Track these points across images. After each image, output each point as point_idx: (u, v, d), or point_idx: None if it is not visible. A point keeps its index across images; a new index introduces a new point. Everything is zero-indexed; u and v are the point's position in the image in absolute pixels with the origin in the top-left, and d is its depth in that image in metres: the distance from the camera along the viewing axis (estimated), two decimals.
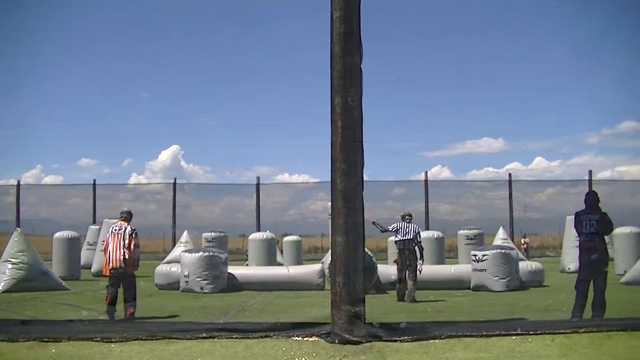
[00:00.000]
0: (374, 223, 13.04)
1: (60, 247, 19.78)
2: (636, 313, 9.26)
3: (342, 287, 6.89)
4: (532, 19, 65.77)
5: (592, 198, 9.44)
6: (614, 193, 33.61)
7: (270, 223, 29.41)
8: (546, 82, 68.97)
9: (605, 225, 9.16)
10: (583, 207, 9.38)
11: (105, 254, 10.23)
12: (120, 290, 10.09)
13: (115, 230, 10.07)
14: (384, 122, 64.95)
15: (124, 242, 9.92)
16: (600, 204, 9.43)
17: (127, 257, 9.91)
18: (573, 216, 9.61)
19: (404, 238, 12.81)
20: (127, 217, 10.38)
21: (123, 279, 10.03)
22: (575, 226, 9.44)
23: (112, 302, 9.93)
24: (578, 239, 9.47)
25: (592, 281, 9.04)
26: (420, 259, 12.84)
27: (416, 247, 12.82)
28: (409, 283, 12.56)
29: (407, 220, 13.03)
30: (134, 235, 10.09)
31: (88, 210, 31.11)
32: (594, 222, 9.08)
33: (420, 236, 13.05)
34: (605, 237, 9.37)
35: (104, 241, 11.09)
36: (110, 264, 9.95)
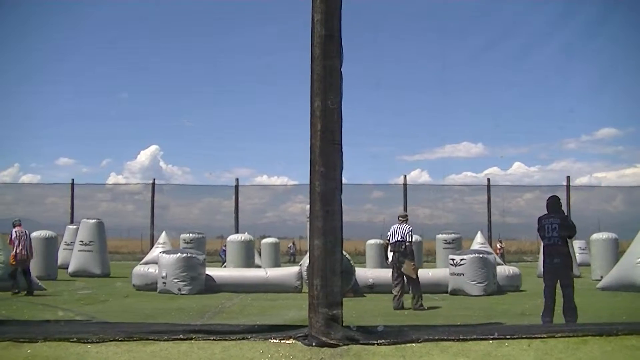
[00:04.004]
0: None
1: (37, 246, 19.49)
2: (612, 318, 9.36)
3: (320, 289, 6.89)
4: (513, 25, 66.30)
5: (552, 202, 9.37)
6: (592, 199, 34.05)
7: (248, 225, 29.38)
8: (526, 88, 69.56)
9: (566, 227, 9.10)
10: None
11: (14, 249, 14.63)
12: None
13: (19, 234, 14.84)
14: (364, 125, 65.18)
15: (27, 242, 14.96)
16: (562, 208, 9.41)
17: (29, 252, 14.94)
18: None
19: (393, 240, 12.39)
20: (20, 223, 15.26)
21: (25, 266, 14.70)
22: (538, 231, 9.35)
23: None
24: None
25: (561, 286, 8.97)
26: (410, 261, 12.20)
27: (405, 248, 12.23)
28: (412, 290, 12.08)
29: (400, 221, 12.62)
30: (30, 237, 15.46)
31: (66, 209, 30.91)
32: (556, 226, 9.01)
33: (410, 236, 12.40)
34: (569, 240, 9.38)
35: (10, 238, 15.01)
36: (19, 257, 14.52)
